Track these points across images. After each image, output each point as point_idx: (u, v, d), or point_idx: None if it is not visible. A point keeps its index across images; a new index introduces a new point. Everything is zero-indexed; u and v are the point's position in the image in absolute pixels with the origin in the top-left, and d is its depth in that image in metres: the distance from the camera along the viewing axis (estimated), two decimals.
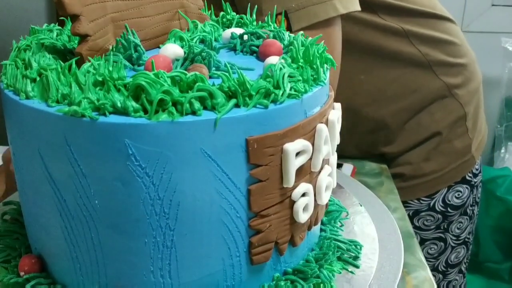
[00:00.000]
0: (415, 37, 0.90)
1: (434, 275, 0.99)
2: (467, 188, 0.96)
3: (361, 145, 0.97)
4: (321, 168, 0.49)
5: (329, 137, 0.49)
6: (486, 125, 1.04)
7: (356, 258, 0.54)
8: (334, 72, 0.71)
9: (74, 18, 0.46)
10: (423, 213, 0.96)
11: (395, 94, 0.93)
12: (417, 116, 0.94)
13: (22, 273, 0.49)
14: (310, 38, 0.52)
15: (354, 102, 0.91)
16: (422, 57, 0.91)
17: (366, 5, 0.87)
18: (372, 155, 0.98)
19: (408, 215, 0.94)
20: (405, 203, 0.95)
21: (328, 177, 0.50)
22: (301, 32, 0.55)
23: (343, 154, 0.94)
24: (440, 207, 0.95)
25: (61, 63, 0.45)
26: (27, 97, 0.44)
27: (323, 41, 0.53)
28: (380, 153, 0.98)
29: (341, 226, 0.60)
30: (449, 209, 0.96)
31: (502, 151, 1.83)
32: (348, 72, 0.86)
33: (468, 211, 0.98)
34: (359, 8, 0.74)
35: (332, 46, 0.73)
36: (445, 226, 0.97)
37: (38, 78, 0.44)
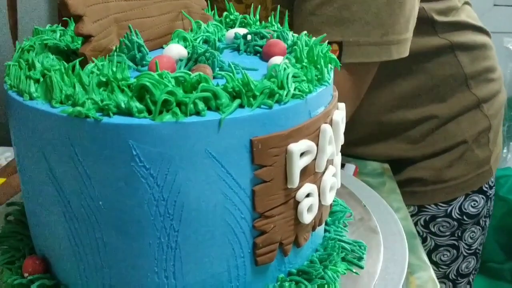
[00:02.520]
0: (460, 48, 0.91)
1: (444, 283, 1.00)
2: (483, 198, 0.98)
3: (386, 149, 0.97)
4: (326, 169, 0.49)
5: (334, 138, 0.49)
6: (501, 141, 1.05)
7: (360, 258, 0.54)
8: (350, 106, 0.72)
9: (77, 18, 0.46)
10: (439, 219, 0.97)
11: (426, 101, 0.94)
12: (445, 125, 0.95)
13: (26, 274, 0.49)
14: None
15: (383, 105, 0.92)
16: (461, 69, 0.91)
17: (429, 26, 0.88)
18: (396, 158, 0.98)
19: (425, 220, 0.96)
20: (422, 207, 0.96)
21: (332, 178, 0.50)
22: (305, 32, 0.55)
23: (371, 157, 0.95)
24: (456, 215, 0.96)
25: (65, 63, 0.45)
26: (31, 98, 0.44)
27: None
28: (404, 157, 0.98)
29: (345, 226, 0.60)
30: (464, 217, 0.97)
31: (505, 151, 1.83)
32: (387, 75, 0.86)
33: (481, 221, 1.00)
34: (407, 54, 0.74)
35: (361, 86, 0.74)
36: (459, 234, 0.98)
37: (41, 79, 0.44)
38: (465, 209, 0.96)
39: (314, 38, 0.52)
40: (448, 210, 0.96)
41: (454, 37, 0.91)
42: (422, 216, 0.97)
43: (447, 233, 0.97)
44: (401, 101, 0.94)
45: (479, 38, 0.94)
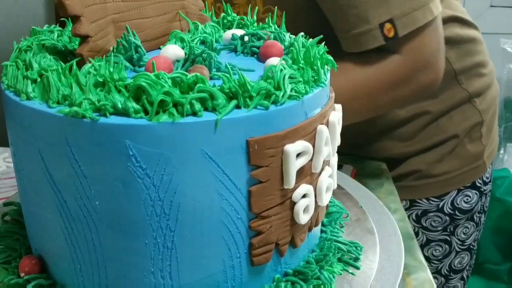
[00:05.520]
0: (446, 42, 0.90)
1: (436, 278, 1.00)
2: (476, 193, 0.97)
3: (379, 148, 0.97)
4: (322, 169, 0.49)
5: (330, 138, 0.49)
6: (498, 137, 1.05)
7: (356, 259, 0.55)
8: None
9: (75, 19, 0.46)
10: (431, 214, 0.97)
11: (418, 98, 0.93)
12: (437, 121, 0.95)
13: (22, 274, 0.49)
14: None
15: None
16: (449, 65, 0.91)
17: None
18: (389, 157, 0.98)
19: (417, 214, 0.96)
20: (414, 202, 0.96)
21: (328, 178, 0.51)
22: (302, 33, 0.55)
23: (364, 154, 0.95)
24: (448, 209, 0.96)
25: (62, 64, 0.45)
26: (28, 98, 0.44)
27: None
28: (397, 154, 0.98)
29: (341, 227, 0.60)
30: (457, 212, 0.97)
31: (501, 152, 1.83)
32: None
33: (475, 217, 0.99)
34: (440, 9, 0.78)
35: (436, 45, 0.77)
36: (452, 229, 0.98)
37: (39, 79, 0.44)
38: (457, 204, 0.96)
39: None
40: (440, 205, 0.96)
41: None
42: (414, 210, 0.97)
43: (439, 228, 0.98)
44: None
45: (466, 32, 0.93)
